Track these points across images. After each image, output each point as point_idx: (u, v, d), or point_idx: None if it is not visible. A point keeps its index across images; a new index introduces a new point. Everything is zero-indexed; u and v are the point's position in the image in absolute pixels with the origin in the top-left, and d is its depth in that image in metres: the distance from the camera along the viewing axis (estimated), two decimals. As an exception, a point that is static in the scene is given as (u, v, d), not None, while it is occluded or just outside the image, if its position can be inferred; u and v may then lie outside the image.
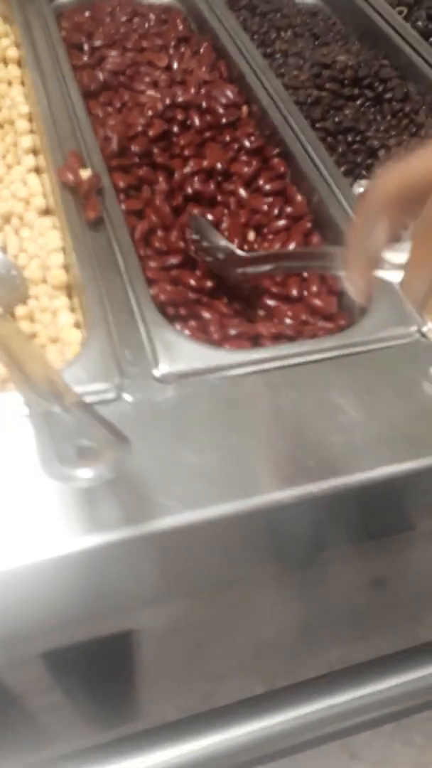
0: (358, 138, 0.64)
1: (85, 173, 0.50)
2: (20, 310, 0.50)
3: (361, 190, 0.59)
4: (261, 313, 0.49)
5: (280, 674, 0.49)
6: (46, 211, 0.54)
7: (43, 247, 0.51)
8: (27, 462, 0.35)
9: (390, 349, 0.43)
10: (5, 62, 0.65)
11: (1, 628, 0.34)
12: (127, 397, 0.39)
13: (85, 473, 0.28)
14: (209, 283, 0.50)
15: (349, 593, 0.47)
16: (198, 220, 0.52)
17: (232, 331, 0.44)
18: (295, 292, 0.49)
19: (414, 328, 0.44)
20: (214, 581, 0.39)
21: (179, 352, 0.41)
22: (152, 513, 0.34)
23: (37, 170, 0.57)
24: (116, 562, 0.35)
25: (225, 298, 0.50)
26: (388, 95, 0.68)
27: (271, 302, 0.49)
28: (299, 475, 0.36)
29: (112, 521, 0.34)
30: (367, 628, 0.52)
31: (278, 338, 0.45)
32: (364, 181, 0.61)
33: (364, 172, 0.63)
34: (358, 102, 0.67)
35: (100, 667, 0.45)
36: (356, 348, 0.43)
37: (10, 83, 0.64)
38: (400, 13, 0.81)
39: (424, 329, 0.44)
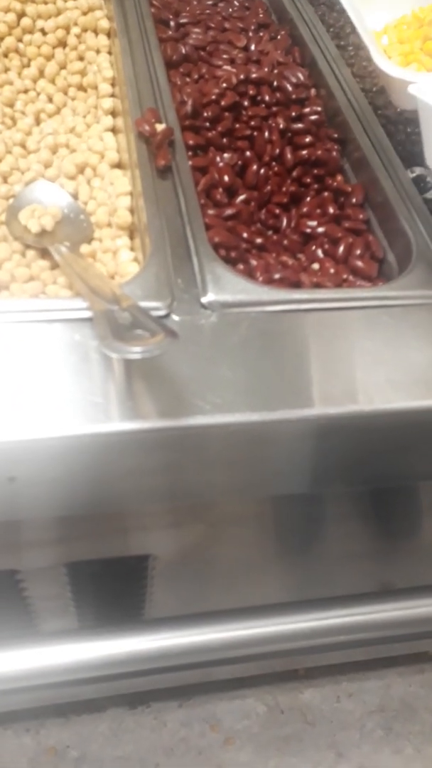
0: (417, 129, 0.67)
1: (160, 126, 0.54)
2: (84, 249, 0.55)
3: (414, 175, 0.62)
4: (306, 267, 0.53)
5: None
6: (119, 165, 0.59)
7: (112, 194, 0.57)
8: (83, 353, 0.39)
9: (421, 306, 0.46)
10: (96, 32, 0.71)
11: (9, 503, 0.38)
12: (176, 317, 0.43)
13: (138, 349, 0.32)
14: (260, 240, 0.54)
15: (349, 530, 0.50)
16: None
17: (276, 276, 0.48)
18: (341, 251, 0.53)
19: (446, 290, 0.47)
20: (229, 488, 0.42)
21: (225, 285, 0.45)
22: (186, 411, 0.38)
23: (114, 131, 0.63)
24: (149, 452, 0.39)
25: (274, 253, 0.54)
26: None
27: (317, 260, 0.53)
28: (322, 398, 0.40)
29: (151, 413, 0.38)
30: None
31: (319, 287, 0.49)
32: (417, 168, 0.64)
33: (419, 161, 0.66)
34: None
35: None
36: (390, 302, 0.46)
37: (98, 51, 0.69)
38: None
39: (456, 292, 0.47)
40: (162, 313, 0.43)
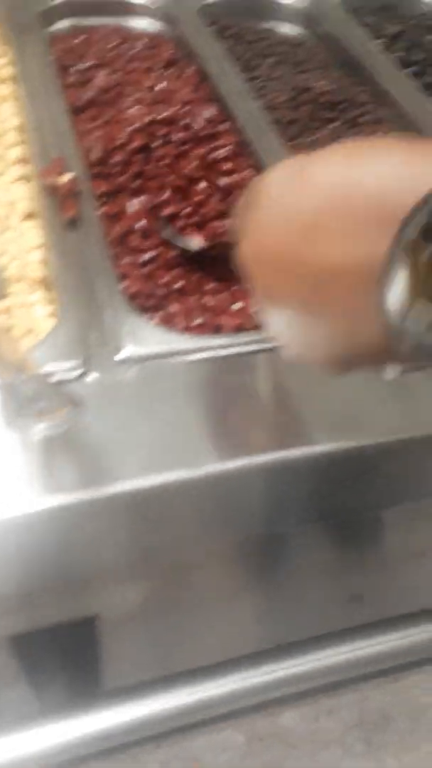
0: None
1: (66, 177, 0.53)
2: None
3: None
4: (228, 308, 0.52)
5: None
6: (29, 216, 0.58)
7: (24, 247, 0.55)
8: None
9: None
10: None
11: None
12: (91, 376, 0.42)
13: (41, 427, 0.30)
14: (179, 284, 0.53)
15: (302, 572, 0.49)
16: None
17: (196, 321, 0.47)
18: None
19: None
20: (167, 549, 0.41)
21: (142, 337, 0.44)
22: (108, 478, 0.36)
23: (25, 179, 0.61)
24: (73, 524, 0.37)
25: (195, 295, 0.53)
26: (363, 119, 0.72)
27: (238, 298, 0.52)
28: (245, 447, 0.39)
29: (71, 484, 0.36)
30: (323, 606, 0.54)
31: (240, 330, 0.48)
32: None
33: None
34: (334, 125, 0.71)
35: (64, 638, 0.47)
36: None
37: (2, 100, 0.68)
38: (380, 45, 0.86)
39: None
40: (76, 373, 0.41)
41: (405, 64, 0.79)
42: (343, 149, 0.27)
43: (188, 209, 0.58)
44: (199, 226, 0.57)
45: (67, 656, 0.55)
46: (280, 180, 0.28)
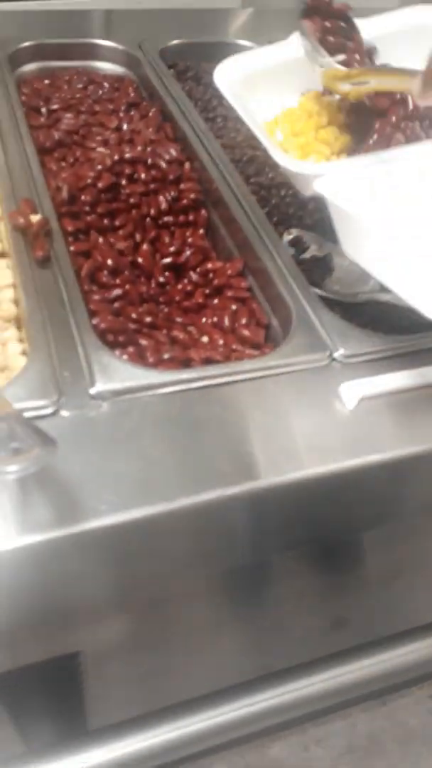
0: (290, 192, 0.71)
1: (35, 217, 0.55)
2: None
3: (290, 237, 0.65)
4: (196, 340, 0.54)
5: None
6: (1, 255, 0.59)
7: (-4, 285, 0.56)
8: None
9: (305, 371, 0.48)
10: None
11: None
12: (65, 412, 0.43)
13: (14, 468, 0.32)
14: (148, 318, 0.55)
15: (285, 599, 0.50)
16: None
17: (166, 356, 0.49)
18: (227, 321, 0.54)
19: (327, 353, 0.49)
20: (146, 583, 0.42)
21: (114, 373, 0.45)
22: (83, 515, 0.38)
23: (-5, 218, 0.63)
24: (50, 561, 0.38)
25: (164, 330, 0.55)
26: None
27: (206, 331, 0.54)
28: (219, 479, 0.41)
29: (46, 522, 0.37)
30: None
31: (209, 363, 0.50)
32: (294, 230, 0.67)
33: (295, 221, 0.69)
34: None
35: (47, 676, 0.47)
36: (275, 370, 0.48)
37: (-28, 140, 0.70)
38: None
39: (336, 354, 0.49)
40: (49, 411, 0.43)
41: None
42: None
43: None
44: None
45: (51, 695, 0.55)
46: None
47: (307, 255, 0.64)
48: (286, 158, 0.57)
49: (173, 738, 0.46)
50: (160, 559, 0.42)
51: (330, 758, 0.92)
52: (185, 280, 0.61)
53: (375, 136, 0.60)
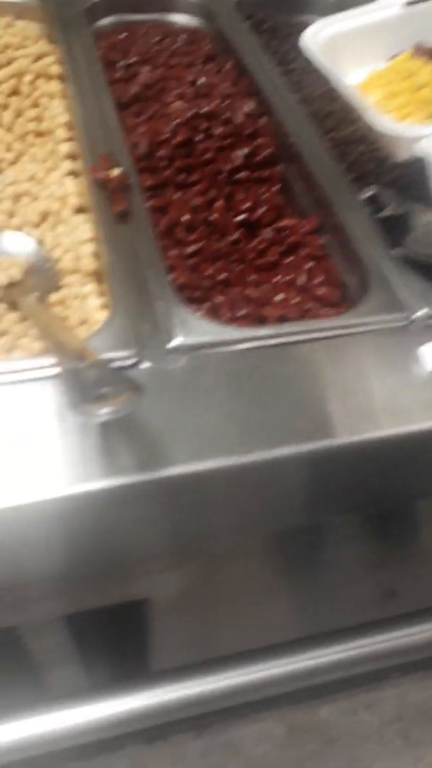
0: (369, 148, 0.69)
1: (115, 171, 0.56)
2: (54, 297, 0.56)
3: (367, 195, 0.63)
4: (270, 298, 0.54)
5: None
6: (80, 209, 0.60)
7: (76, 240, 0.57)
8: (55, 411, 0.40)
9: (383, 331, 0.48)
10: (48, 77, 0.72)
11: (11, 564, 0.39)
12: (144, 365, 0.44)
13: (104, 411, 0.33)
14: (223, 275, 0.55)
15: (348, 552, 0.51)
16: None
17: (240, 313, 0.50)
18: (303, 279, 0.54)
19: (406, 314, 0.48)
20: (216, 532, 0.43)
21: (191, 328, 0.46)
22: (162, 462, 0.39)
23: (75, 173, 0.64)
24: (129, 506, 0.39)
25: (237, 288, 0.55)
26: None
27: (280, 289, 0.54)
28: (293, 435, 0.41)
29: (126, 467, 0.39)
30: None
31: (283, 320, 0.50)
32: (372, 187, 0.65)
33: (373, 179, 0.67)
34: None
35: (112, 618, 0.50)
36: (352, 329, 0.48)
37: (51, 97, 0.70)
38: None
39: (415, 315, 0.49)
40: (130, 362, 0.44)
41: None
42: None
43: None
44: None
45: (115, 637, 0.58)
46: None
47: (385, 213, 0.62)
48: (383, 120, 0.55)
49: (227, 685, 0.48)
50: (231, 512, 0.43)
51: (378, 723, 0.94)
52: (259, 238, 0.61)
53: None
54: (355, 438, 0.41)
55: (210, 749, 0.89)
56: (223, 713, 0.90)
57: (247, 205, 0.62)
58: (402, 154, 0.55)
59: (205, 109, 0.66)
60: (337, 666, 0.47)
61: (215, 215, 0.61)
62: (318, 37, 0.60)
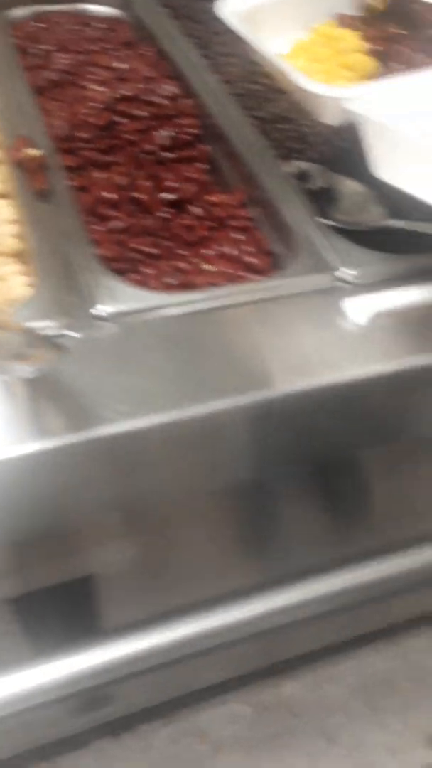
0: (292, 126, 0.70)
1: (32, 151, 0.54)
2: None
3: (294, 170, 0.64)
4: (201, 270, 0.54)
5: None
6: (2, 195, 0.59)
7: (-2, 223, 0.56)
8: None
9: (311, 292, 0.48)
10: (-38, 67, 0.70)
11: None
12: (72, 333, 0.43)
13: (28, 368, 0.32)
14: (152, 249, 0.55)
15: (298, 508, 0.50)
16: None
17: (169, 281, 0.49)
18: (233, 250, 0.54)
19: (332, 274, 0.49)
20: (157, 491, 0.42)
21: (119, 296, 0.45)
22: (92, 422, 0.38)
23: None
24: (62, 469, 0.38)
25: (167, 260, 0.55)
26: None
27: (210, 261, 0.54)
28: (227, 391, 0.41)
29: (56, 429, 0.37)
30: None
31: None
32: (298, 162, 0.66)
33: (297, 156, 0.68)
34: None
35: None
36: (281, 291, 0.48)
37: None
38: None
39: (342, 275, 0.49)
40: (58, 332, 0.43)
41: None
42: None
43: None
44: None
45: (63, 602, 0.56)
46: None
47: (312, 186, 0.63)
48: (312, 83, 0.56)
49: (182, 635, 0.46)
50: (167, 470, 0.42)
51: (343, 695, 0.94)
52: (187, 215, 0.61)
53: (398, 59, 0.59)
54: (288, 389, 0.41)
55: (178, 736, 0.88)
56: (189, 698, 0.89)
57: (175, 184, 0.62)
58: (330, 118, 0.56)
59: (126, 92, 0.66)
60: (282, 612, 0.46)
61: (142, 194, 0.61)
62: (235, 7, 0.60)
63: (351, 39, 0.64)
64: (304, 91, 0.56)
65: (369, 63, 0.63)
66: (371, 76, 0.62)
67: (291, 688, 0.93)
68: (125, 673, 0.47)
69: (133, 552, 0.48)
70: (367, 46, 0.64)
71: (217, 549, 0.57)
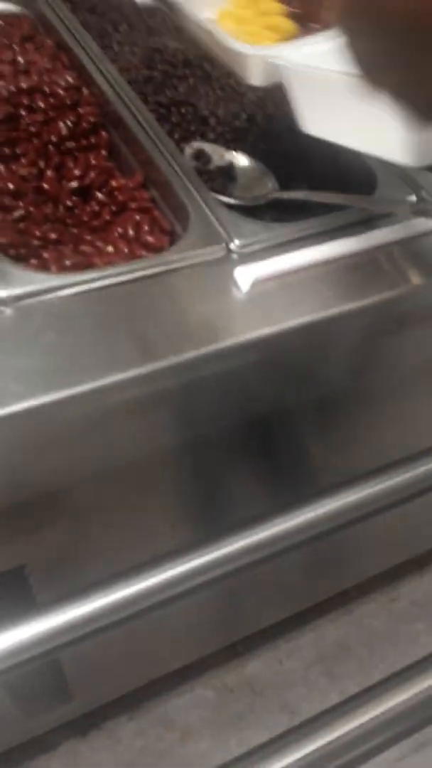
0: (190, 109, 0.72)
1: None
2: None
3: (192, 151, 0.67)
4: (102, 251, 0.56)
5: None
6: None
7: None
8: None
9: (203, 264, 0.51)
10: None
11: None
12: (-34, 320, 0.45)
13: None
14: (53, 235, 0.57)
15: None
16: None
17: (68, 262, 0.51)
18: (131, 231, 0.56)
19: (223, 245, 0.51)
20: (65, 468, 0.44)
21: (13, 280, 0.47)
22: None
23: None
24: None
25: (70, 245, 0.57)
26: (216, 73, 0.76)
27: (111, 242, 0.56)
28: (123, 364, 0.43)
29: None
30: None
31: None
32: (196, 143, 0.68)
33: (198, 137, 0.71)
34: (190, 80, 0.75)
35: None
36: (173, 264, 0.50)
37: None
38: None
39: (232, 245, 0.52)
40: None
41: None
42: None
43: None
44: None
45: None
46: None
47: (210, 166, 0.66)
48: (240, 43, 0.57)
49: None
50: (70, 448, 0.44)
51: (302, 668, 0.98)
52: (92, 202, 0.63)
53: (316, 20, 0.61)
54: (180, 357, 0.44)
55: (144, 728, 0.90)
56: (153, 687, 0.91)
57: (78, 172, 0.64)
58: (257, 78, 0.57)
59: (25, 84, 0.67)
60: (229, 559, 0.46)
61: (46, 185, 0.62)
62: None
63: (272, 1, 0.65)
64: (231, 51, 0.56)
65: (291, 25, 0.64)
66: (293, 37, 0.63)
67: (252, 667, 0.96)
68: (70, 638, 0.47)
69: (65, 535, 0.49)
70: (286, 8, 0.65)
71: (153, 514, 0.59)
